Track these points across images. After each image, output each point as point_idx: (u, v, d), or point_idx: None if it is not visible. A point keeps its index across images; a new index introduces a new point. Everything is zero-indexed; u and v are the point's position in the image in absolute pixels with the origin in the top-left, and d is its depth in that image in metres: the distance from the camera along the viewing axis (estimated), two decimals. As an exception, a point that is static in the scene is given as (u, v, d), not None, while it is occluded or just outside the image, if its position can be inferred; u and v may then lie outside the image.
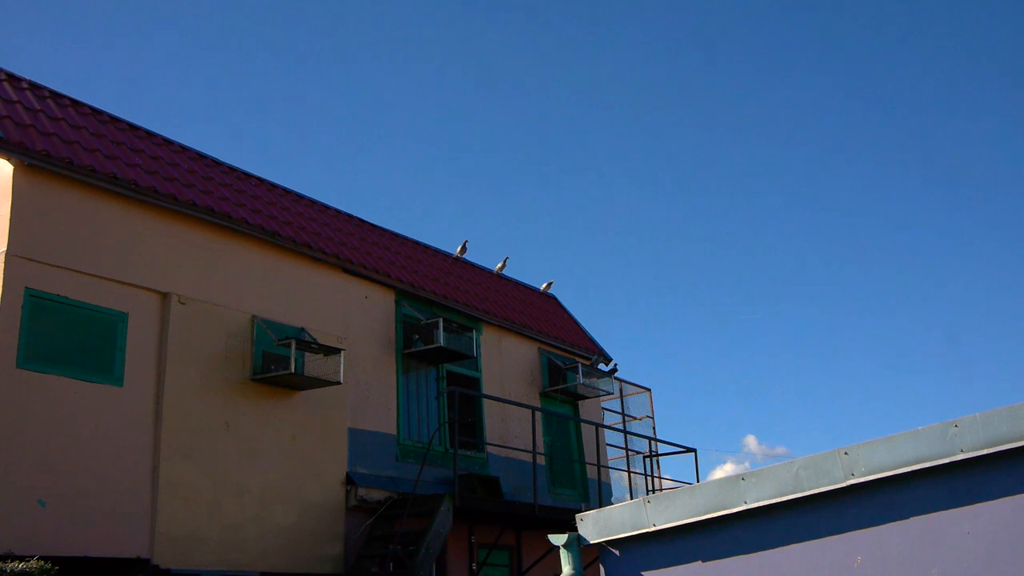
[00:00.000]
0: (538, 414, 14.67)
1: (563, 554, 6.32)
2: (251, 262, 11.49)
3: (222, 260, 11.15)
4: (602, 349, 18.12)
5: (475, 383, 14.76)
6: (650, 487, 16.14)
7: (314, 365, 11.27)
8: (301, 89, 45.85)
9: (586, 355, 17.45)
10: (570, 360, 16.68)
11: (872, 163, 44.90)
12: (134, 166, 10.61)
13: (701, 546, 5.79)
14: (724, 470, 39.04)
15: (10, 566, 7.24)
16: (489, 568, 13.76)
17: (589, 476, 16.55)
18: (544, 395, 16.17)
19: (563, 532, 6.39)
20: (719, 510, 5.68)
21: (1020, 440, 4.69)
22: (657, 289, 48.24)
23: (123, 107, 38.76)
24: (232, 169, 12.90)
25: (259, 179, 13.26)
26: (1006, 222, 43.68)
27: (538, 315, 17.20)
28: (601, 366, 17.39)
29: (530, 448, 13.62)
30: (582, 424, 16.46)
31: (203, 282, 10.82)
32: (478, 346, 14.58)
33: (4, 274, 9.01)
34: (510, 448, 13.99)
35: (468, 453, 14.22)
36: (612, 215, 47.87)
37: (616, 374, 17.91)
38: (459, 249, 16.39)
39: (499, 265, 17.38)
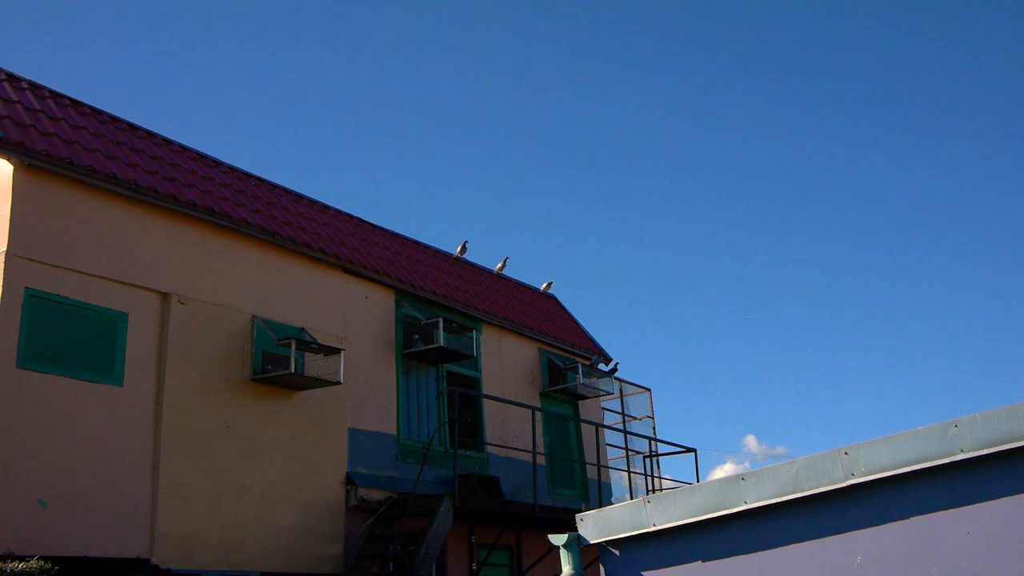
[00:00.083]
0: (538, 414, 14.67)
1: (563, 554, 6.32)
2: (251, 262, 11.49)
3: (222, 260, 11.14)
4: (602, 349, 18.11)
5: (475, 383, 14.75)
6: (650, 487, 16.14)
7: (314, 365, 11.27)
8: (301, 89, 45.87)
9: (586, 355, 17.45)
10: (570, 360, 16.67)
11: (872, 163, 44.91)
12: (134, 166, 10.60)
13: (701, 546, 5.79)
14: (724, 470, 39.04)
15: (10, 566, 7.23)
16: (489, 568, 13.75)
17: (589, 476, 16.54)
18: (544, 395, 16.16)
19: (563, 532, 6.39)
20: (719, 510, 5.68)
21: (1020, 440, 4.68)
22: (657, 289, 48.26)
23: (123, 107, 38.78)
24: (232, 169, 12.90)
25: (259, 179, 13.25)
26: (1006, 222, 43.71)
27: (538, 315, 17.20)
28: (601, 366, 17.39)
29: (530, 448, 13.62)
30: (582, 424, 16.45)
31: (203, 282, 10.82)
32: (478, 346, 14.57)
33: (4, 274, 9.00)
34: (510, 448, 13.98)
35: (468, 453, 14.21)
36: (612, 215, 47.88)
37: (616, 374, 17.91)
38: (459, 249, 16.38)
39: (499, 265, 17.37)
